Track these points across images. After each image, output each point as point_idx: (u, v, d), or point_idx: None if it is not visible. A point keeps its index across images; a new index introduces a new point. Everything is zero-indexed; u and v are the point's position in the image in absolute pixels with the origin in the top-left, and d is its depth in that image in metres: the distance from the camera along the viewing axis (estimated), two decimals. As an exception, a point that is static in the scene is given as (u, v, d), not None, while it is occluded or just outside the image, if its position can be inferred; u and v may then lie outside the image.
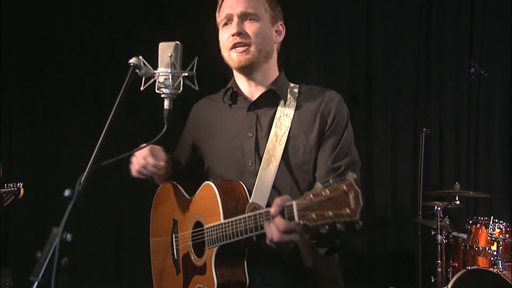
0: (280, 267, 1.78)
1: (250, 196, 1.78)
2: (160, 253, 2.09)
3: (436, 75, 4.69)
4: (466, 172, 4.62)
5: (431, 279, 4.01)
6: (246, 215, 1.66)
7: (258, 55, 1.86)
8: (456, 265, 3.96)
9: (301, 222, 1.43)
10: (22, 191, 3.24)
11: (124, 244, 4.72)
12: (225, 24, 1.89)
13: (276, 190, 1.80)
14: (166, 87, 1.57)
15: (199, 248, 1.85)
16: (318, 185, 1.41)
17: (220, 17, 1.91)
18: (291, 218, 1.47)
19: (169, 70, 1.57)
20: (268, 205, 1.75)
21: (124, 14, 4.65)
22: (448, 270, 3.98)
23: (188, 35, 4.37)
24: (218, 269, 1.74)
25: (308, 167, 1.83)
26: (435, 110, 4.38)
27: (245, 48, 1.84)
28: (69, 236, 1.28)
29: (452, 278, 3.64)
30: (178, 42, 1.59)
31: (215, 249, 1.74)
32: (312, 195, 1.40)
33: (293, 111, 1.86)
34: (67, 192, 1.33)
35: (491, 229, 3.65)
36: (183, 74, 1.58)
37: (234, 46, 1.85)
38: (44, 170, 4.66)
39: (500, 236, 3.60)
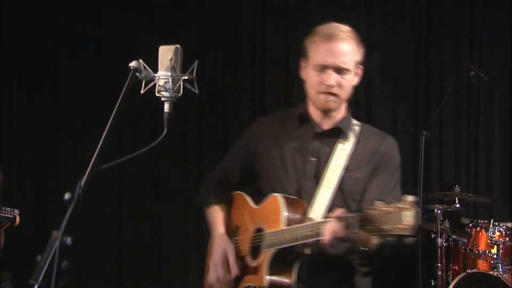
0: (324, 282, 2.00)
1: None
2: None
3: (436, 78, 4.69)
4: (466, 175, 4.62)
5: (431, 282, 4.00)
6: (304, 224, 1.90)
7: (341, 102, 2.07)
8: (456, 268, 3.95)
9: (359, 230, 1.68)
10: (18, 219, 3.27)
11: (124, 244, 4.72)
12: (319, 68, 2.01)
13: (329, 212, 1.99)
14: (166, 91, 1.57)
15: (255, 251, 2.06)
16: (377, 202, 1.65)
17: (315, 59, 2.02)
18: (352, 227, 1.70)
19: (169, 74, 1.57)
20: None
21: (124, 16, 4.65)
22: (448, 273, 3.97)
23: (189, 38, 4.39)
24: (270, 270, 1.94)
25: (357, 196, 2.04)
26: (435, 113, 4.37)
27: (334, 97, 2.02)
28: (69, 240, 1.28)
29: (452, 281, 3.64)
30: (178, 46, 1.59)
31: (271, 252, 1.95)
32: (372, 209, 1.64)
33: (352, 148, 2.07)
34: (67, 196, 1.33)
35: (491, 232, 3.64)
36: (183, 78, 1.59)
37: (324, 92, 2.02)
38: (44, 173, 4.66)
39: (500, 239, 3.60)
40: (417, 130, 4.52)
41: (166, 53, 1.58)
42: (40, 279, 1.25)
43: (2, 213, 3.23)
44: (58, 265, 1.26)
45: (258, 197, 2.18)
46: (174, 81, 1.57)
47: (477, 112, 4.62)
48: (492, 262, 3.62)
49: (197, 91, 1.62)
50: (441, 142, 4.65)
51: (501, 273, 3.47)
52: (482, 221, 3.76)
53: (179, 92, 1.59)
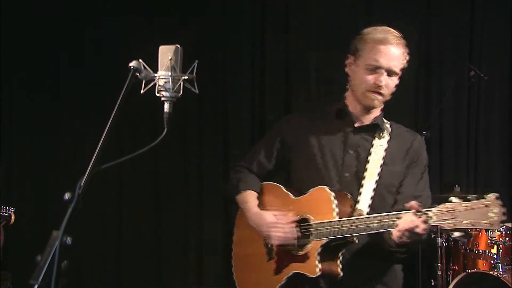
0: (365, 269, 2.12)
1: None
2: (249, 242, 2.32)
3: (436, 78, 4.69)
4: (466, 176, 4.62)
5: (431, 282, 4.01)
6: (365, 216, 2.03)
7: (384, 101, 2.23)
8: (456, 268, 3.95)
9: (438, 226, 1.86)
10: (13, 217, 3.26)
11: (124, 244, 4.72)
12: (371, 68, 2.13)
13: (371, 204, 2.16)
14: (166, 90, 1.57)
15: (300, 240, 2.12)
16: (454, 199, 1.82)
17: (368, 59, 2.13)
18: (428, 221, 1.85)
19: (169, 73, 1.57)
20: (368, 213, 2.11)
21: (124, 16, 4.65)
22: (448, 273, 3.97)
23: (189, 38, 4.38)
24: (321, 259, 2.03)
25: (394, 189, 2.19)
26: (435, 113, 4.38)
27: (381, 96, 2.18)
28: (69, 240, 1.28)
29: (452, 281, 3.64)
30: (178, 46, 1.59)
31: (323, 242, 2.04)
32: (452, 205, 1.82)
33: (387, 143, 2.22)
34: (67, 196, 1.33)
35: (491, 232, 3.64)
36: (183, 77, 1.59)
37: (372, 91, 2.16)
38: (44, 173, 4.66)
39: (500, 239, 3.60)
40: (417, 130, 4.52)
41: (166, 53, 1.58)
42: (40, 279, 1.25)
43: None
44: (58, 265, 1.26)
45: (288, 188, 2.27)
46: (174, 81, 1.57)
47: (477, 112, 4.61)
48: (492, 262, 3.62)
49: (197, 91, 1.62)
50: (441, 142, 4.65)
51: (501, 273, 3.46)
52: (482, 221, 3.76)
53: (179, 92, 1.59)
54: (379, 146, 2.21)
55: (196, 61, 1.62)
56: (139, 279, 4.65)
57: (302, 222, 2.14)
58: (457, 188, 4.01)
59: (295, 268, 2.11)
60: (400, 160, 2.22)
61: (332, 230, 2.03)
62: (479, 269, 3.68)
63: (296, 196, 2.22)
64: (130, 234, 4.69)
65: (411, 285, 4.18)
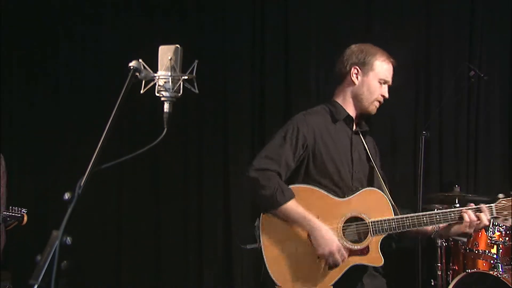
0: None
1: None
2: (288, 243, 2.42)
3: (436, 78, 4.69)
4: (466, 175, 4.62)
5: (431, 282, 4.00)
6: (429, 212, 2.40)
7: None
8: (456, 268, 3.95)
9: (497, 216, 2.39)
10: (25, 218, 3.24)
11: (124, 244, 4.72)
12: (382, 82, 2.55)
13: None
14: (166, 90, 1.57)
15: (353, 236, 2.40)
16: (500, 195, 2.41)
17: (381, 74, 2.55)
18: (493, 213, 2.39)
19: (169, 73, 1.57)
20: None
21: (124, 16, 4.66)
22: (448, 273, 3.97)
23: (189, 38, 4.39)
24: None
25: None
26: (434, 113, 4.37)
27: (379, 106, 2.58)
28: (69, 239, 1.28)
29: (452, 281, 3.64)
30: (178, 46, 1.59)
31: (382, 236, 2.38)
32: (504, 201, 2.37)
33: (366, 144, 2.59)
34: (67, 195, 1.33)
35: (491, 232, 3.64)
36: (183, 77, 1.59)
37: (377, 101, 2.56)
38: (44, 173, 4.66)
39: (500, 239, 3.60)
40: (417, 130, 4.52)
41: (166, 53, 1.58)
42: (40, 279, 1.25)
43: (10, 212, 3.22)
44: (58, 265, 1.26)
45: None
46: (174, 81, 1.58)
47: (477, 112, 4.61)
48: (492, 262, 3.62)
49: (197, 91, 1.62)
50: (441, 142, 4.65)
51: (501, 273, 3.47)
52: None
53: (179, 92, 1.59)
54: (367, 147, 2.57)
55: (196, 61, 1.62)
56: (139, 279, 4.66)
57: (352, 220, 2.39)
58: (457, 188, 4.00)
59: (355, 260, 2.37)
60: (377, 158, 2.64)
61: (394, 225, 2.37)
62: (479, 269, 3.68)
63: (339, 197, 2.42)
64: (130, 234, 4.69)
65: (411, 285, 4.19)
